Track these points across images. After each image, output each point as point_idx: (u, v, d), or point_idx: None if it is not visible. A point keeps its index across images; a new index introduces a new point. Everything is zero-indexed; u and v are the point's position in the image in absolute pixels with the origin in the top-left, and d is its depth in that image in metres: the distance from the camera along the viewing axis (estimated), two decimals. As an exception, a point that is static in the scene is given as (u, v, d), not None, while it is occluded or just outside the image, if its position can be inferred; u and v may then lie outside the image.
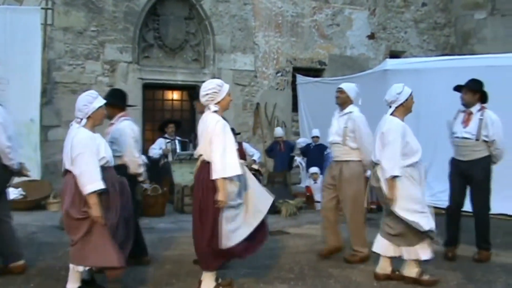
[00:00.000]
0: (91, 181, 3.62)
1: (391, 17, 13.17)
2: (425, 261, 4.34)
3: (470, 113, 5.16)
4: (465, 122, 5.15)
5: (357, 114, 5.11)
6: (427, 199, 6.87)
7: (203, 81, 4.24)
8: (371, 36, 12.91)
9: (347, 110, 5.16)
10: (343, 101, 5.19)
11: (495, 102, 7.39)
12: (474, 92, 5.13)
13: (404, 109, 4.44)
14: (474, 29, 13.10)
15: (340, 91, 5.20)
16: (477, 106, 5.18)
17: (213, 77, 10.65)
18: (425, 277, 4.32)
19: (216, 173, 3.85)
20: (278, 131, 10.47)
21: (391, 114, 4.42)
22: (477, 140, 5.07)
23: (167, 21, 10.96)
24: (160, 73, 10.96)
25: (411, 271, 4.35)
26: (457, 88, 5.23)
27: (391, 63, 8.60)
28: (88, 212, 3.63)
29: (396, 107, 4.42)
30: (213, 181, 3.88)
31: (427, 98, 7.52)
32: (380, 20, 13.03)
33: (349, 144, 5.06)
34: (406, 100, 4.42)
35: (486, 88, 7.57)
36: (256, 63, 11.74)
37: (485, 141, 5.06)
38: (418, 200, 4.28)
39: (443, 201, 7.85)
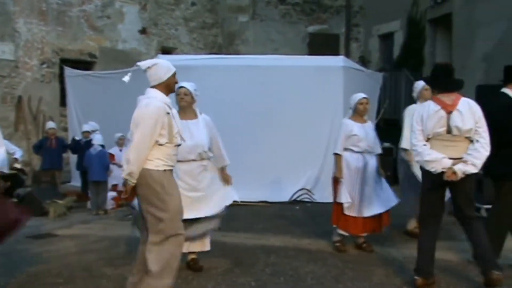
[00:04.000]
0: None
1: (162, 13, 13.37)
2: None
3: None
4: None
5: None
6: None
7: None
8: (143, 31, 12.91)
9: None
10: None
11: (257, 98, 8.20)
12: None
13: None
14: (238, 31, 14.17)
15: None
16: None
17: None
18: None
19: None
20: (50, 123, 9.69)
21: None
22: None
23: None
24: None
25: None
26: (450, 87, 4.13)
27: (163, 59, 8.73)
28: None
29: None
30: None
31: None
32: (152, 15, 13.12)
33: None
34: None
35: (242, 87, 8.32)
36: (17, 52, 10.71)
37: None
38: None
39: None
